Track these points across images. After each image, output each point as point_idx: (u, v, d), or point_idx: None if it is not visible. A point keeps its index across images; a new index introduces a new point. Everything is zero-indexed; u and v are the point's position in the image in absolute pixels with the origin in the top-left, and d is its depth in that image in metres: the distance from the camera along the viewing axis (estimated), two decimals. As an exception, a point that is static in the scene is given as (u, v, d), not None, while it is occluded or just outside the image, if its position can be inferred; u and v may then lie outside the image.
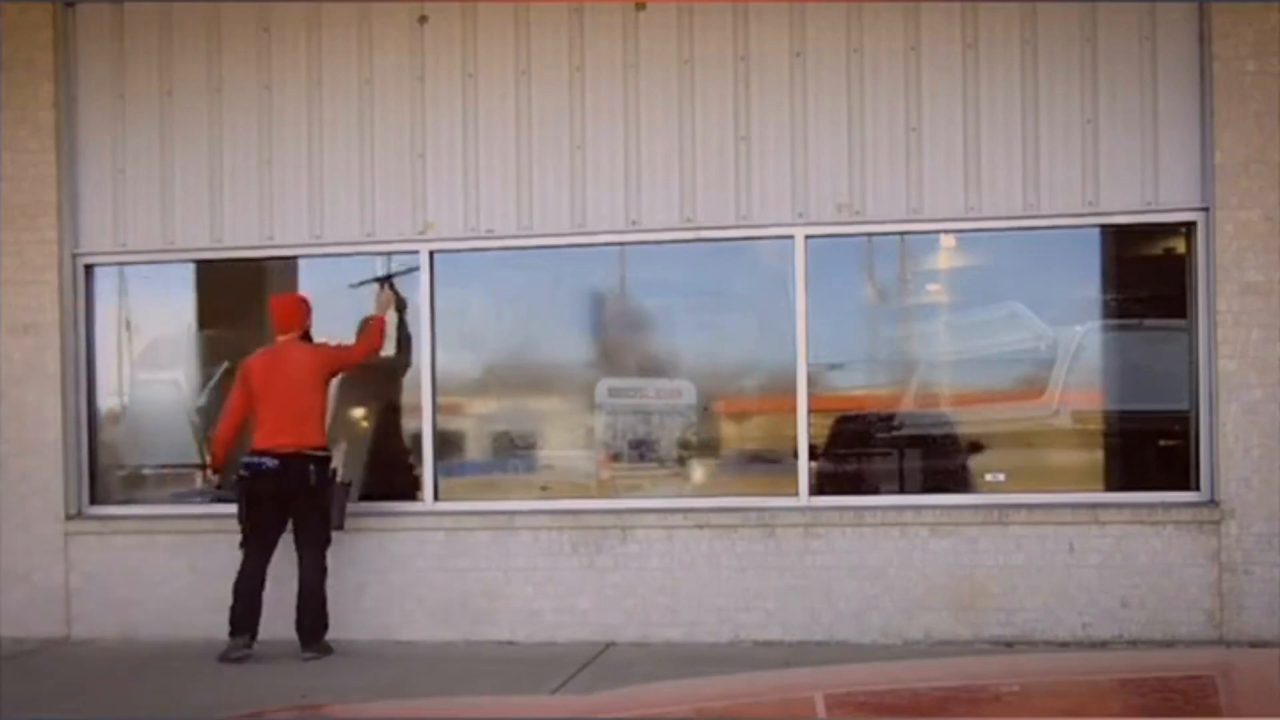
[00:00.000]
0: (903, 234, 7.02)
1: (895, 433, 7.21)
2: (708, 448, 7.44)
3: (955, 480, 7.12)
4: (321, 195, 7.25)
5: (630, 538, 6.90)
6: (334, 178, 7.21)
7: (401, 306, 6.92)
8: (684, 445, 7.40)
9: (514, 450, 7.45)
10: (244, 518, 6.34)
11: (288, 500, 6.27)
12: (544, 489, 7.22)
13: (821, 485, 7.05)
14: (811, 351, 6.88)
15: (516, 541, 7.00)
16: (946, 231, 7.00)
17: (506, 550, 6.99)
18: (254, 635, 6.34)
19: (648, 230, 7.02)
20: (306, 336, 6.58)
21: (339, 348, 6.63)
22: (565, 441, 7.46)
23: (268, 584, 6.40)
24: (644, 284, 7.45)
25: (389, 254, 7.29)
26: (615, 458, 7.37)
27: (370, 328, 6.75)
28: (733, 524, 6.81)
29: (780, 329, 6.95)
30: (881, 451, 7.24)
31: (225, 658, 6.35)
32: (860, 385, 7.41)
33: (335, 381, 6.76)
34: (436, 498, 7.14)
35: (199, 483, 7.37)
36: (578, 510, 7.07)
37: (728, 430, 7.47)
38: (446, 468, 7.17)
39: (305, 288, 7.32)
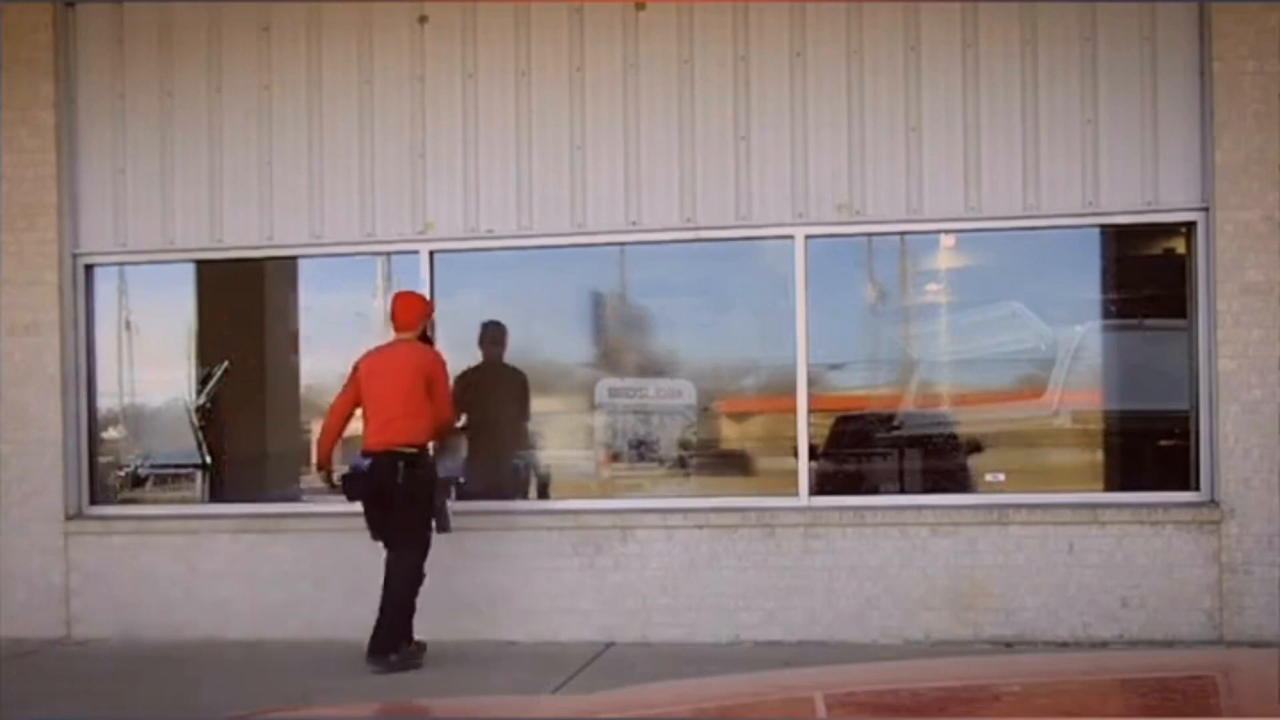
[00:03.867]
0: (903, 234, 7.04)
1: (895, 433, 7.24)
2: (708, 448, 7.50)
3: (955, 480, 7.14)
4: (321, 195, 7.25)
5: (630, 538, 6.90)
6: (334, 177, 7.22)
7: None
8: (684, 445, 7.45)
9: (514, 450, 7.51)
10: (366, 518, 6.21)
11: (382, 499, 6.13)
12: (544, 491, 7.30)
13: (822, 485, 7.06)
14: (812, 351, 6.88)
15: (517, 541, 7.01)
16: (946, 231, 7.01)
17: (507, 551, 7.02)
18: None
19: (648, 230, 7.03)
20: (424, 338, 6.42)
21: (443, 386, 6.45)
22: (565, 442, 7.52)
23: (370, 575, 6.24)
24: (644, 284, 7.47)
25: (389, 254, 7.33)
26: (615, 458, 7.42)
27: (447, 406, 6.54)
28: (733, 524, 6.81)
29: (780, 329, 6.96)
30: (882, 452, 7.28)
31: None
32: (860, 385, 7.45)
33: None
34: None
35: (198, 485, 7.42)
36: (578, 510, 7.08)
37: (728, 430, 7.54)
38: (443, 468, 7.09)
39: (305, 289, 7.50)
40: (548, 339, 7.51)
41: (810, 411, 6.88)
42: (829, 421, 7.23)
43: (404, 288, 6.75)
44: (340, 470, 6.40)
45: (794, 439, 6.91)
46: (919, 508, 6.81)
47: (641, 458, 7.34)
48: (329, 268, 7.45)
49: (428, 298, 6.62)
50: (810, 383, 6.92)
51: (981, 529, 6.72)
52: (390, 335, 6.52)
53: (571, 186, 7.06)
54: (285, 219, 7.24)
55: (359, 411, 6.31)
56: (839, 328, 7.18)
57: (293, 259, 7.43)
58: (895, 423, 7.25)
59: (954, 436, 7.26)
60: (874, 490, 7.17)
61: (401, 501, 6.10)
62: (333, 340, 7.55)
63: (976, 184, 6.81)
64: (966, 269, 7.29)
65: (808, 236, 6.91)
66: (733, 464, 7.40)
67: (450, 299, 7.25)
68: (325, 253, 7.31)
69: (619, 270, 7.35)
